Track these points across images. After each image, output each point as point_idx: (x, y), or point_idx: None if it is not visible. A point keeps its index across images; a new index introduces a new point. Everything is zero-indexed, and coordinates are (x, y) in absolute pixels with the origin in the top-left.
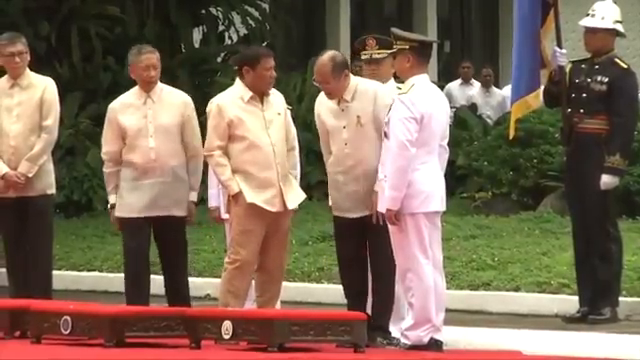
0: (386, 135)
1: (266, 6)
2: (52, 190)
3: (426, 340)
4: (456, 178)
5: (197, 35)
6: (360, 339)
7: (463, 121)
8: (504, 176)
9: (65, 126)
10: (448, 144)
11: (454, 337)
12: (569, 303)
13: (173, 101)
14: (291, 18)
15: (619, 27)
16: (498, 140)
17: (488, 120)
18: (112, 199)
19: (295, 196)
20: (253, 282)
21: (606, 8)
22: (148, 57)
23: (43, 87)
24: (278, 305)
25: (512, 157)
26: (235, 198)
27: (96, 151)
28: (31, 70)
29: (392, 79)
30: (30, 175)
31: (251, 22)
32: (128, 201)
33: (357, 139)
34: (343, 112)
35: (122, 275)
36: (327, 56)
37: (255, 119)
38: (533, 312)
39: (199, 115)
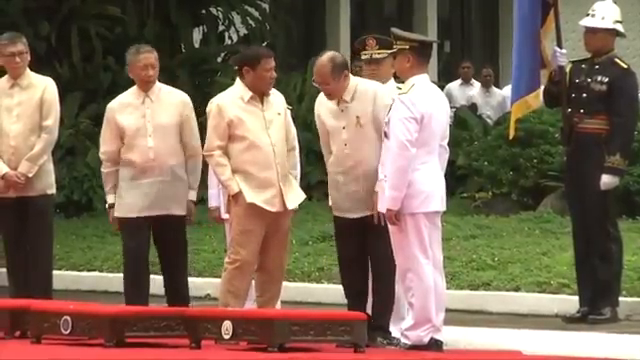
0: (386, 135)
1: (266, 6)
2: (52, 190)
3: (426, 340)
4: (456, 178)
5: (197, 35)
6: (360, 339)
7: (463, 121)
8: (504, 176)
9: (65, 126)
10: (448, 144)
11: (454, 337)
12: (569, 303)
13: (171, 100)
14: (291, 18)
15: (619, 27)
16: (498, 140)
17: (488, 120)
18: (110, 199)
19: (295, 196)
20: (253, 282)
21: (606, 8)
22: (146, 56)
23: (43, 87)
24: (278, 305)
25: (512, 157)
26: (235, 198)
27: (96, 151)
28: (31, 70)
29: (392, 79)
30: (30, 175)
31: (251, 22)
32: (127, 201)
33: (357, 139)
34: (343, 113)
35: (122, 275)
36: (327, 57)
37: (255, 119)
38: (533, 312)
39: (199, 115)
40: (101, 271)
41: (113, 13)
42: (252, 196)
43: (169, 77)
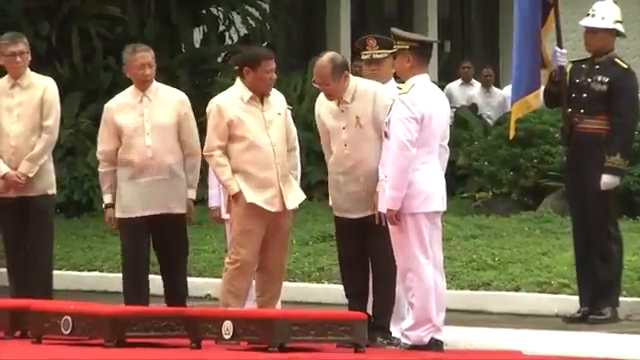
0: (386, 135)
1: (266, 6)
2: (53, 190)
3: (426, 340)
4: (456, 178)
5: (197, 35)
6: (360, 339)
7: (463, 121)
8: (504, 176)
9: (65, 126)
10: (448, 144)
11: (454, 337)
12: (569, 303)
13: (169, 99)
14: (291, 18)
15: (619, 27)
16: (498, 140)
17: (488, 120)
18: (107, 199)
19: (295, 196)
20: (254, 282)
21: (606, 8)
22: (143, 55)
23: (44, 87)
24: (279, 305)
25: (512, 157)
26: (235, 198)
27: (96, 151)
28: (31, 70)
29: (392, 79)
30: (31, 175)
31: (251, 22)
32: (126, 201)
33: (357, 140)
34: (343, 113)
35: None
36: (327, 57)
37: (255, 119)
38: (533, 312)
39: (199, 115)
40: (101, 271)
41: (113, 13)
42: (252, 196)
43: (169, 77)
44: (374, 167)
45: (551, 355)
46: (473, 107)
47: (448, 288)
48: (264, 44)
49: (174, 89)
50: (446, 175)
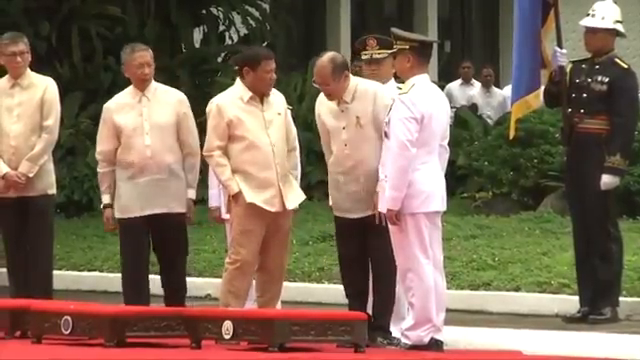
0: (386, 135)
1: (266, 6)
2: (53, 190)
3: (426, 340)
4: (456, 178)
5: (197, 35)
6: (361, 339)
7: (463, 121)
8: (504, 176)
9: (65, 126)
10: (448, 144)
11: (454, 337)
12: (569, 303)
13: (168, 99)
14: (291, 18)
15: (619, 27)
16: (498, 140)
17: (488, 120)
18: (106, 199)
19: (294, 196)
20: (254, 282)
21: (606, 8)
22: (141, 55)
23: (44, 87)
24: (279, 305)
25: (512, 157)
26: (235, 198)
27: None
28: (32, 70)
29: (392, 79)
30: (31, 175)
31: (251, 22)
32: (125, 201)
33: (357, 140)
34: (343, 113)
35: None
36: (327, 58)
37: (255, 119)
38: (533, 312)
39: (199, 115)
40: (101, 271)
41: (113, 13)
42: (252, 196)
43: (169, 77)
44: (374, 167)
45: (551, 355)
46: (473, 107)
47: (448, 288)
48: (264, 44)
49: (173, 89)
50: (446, 175)
